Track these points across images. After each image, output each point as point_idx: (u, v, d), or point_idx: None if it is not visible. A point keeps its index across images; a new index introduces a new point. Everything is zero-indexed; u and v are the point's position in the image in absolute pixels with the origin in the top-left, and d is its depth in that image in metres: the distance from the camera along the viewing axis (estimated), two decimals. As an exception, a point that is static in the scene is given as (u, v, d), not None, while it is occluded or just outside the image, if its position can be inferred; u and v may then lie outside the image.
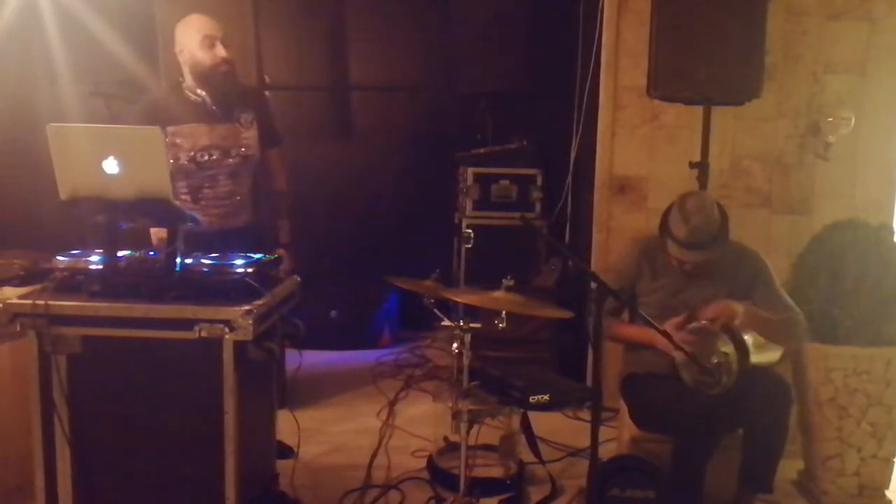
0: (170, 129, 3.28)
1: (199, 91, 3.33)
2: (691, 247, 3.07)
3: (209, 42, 3.25)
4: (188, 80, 3.34)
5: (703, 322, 3.00)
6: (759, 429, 3.00)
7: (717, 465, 3.00)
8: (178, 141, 3.29)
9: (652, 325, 2.83)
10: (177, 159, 3.29)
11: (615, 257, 3.53)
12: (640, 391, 3.26)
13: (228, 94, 3.36)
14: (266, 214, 3.56)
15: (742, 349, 2.94)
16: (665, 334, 2.82)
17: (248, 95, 3.47)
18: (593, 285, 2.73)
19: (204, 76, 3.30)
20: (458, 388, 3.07)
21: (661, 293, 3.23)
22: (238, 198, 3.40)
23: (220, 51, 3.27)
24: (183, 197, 3.35)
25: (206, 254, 2.78)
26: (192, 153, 3.30)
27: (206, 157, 3.32)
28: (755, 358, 3.00)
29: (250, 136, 3.39)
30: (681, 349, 2.83)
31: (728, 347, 2.94)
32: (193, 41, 3.26)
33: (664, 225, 3.15)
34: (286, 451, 3.51)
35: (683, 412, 2.96)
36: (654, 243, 3.27)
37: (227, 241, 3.16)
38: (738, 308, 3.01)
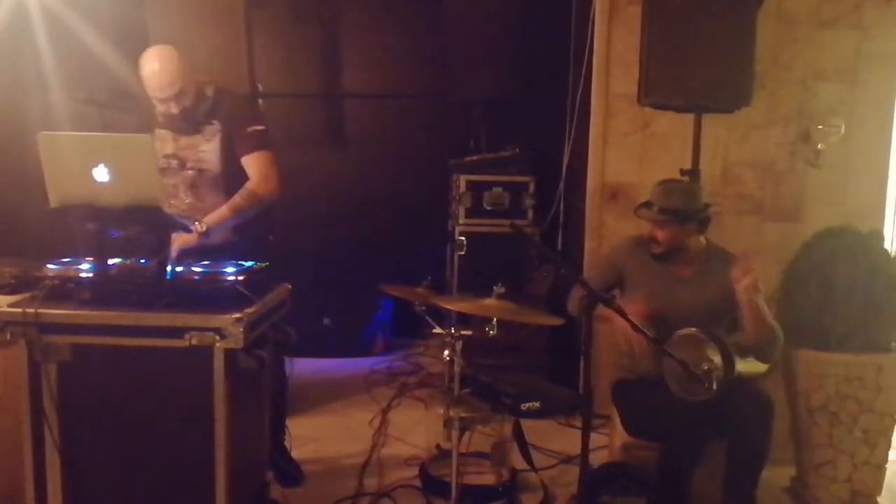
0: (156, 130, 3.28)
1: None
2: (663, 212, 3.13)
3: (160, 102, 3.16)
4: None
5: (693, 330, 3.01)
6: (740, 443, 2.98)
7: (705, 470, 3.01)
8: (156, 144, 3.24)
9: (626, 318, 2.82)
10: None
11: (607, 249, 3.51)
12: (629, 396, 3.27)
13: (192, 113, 3.23)
14: (256, 233, 3.35)
15: (728, 358, 2.94)
16: (632, 323, 2.84)
17: (222, 105, 3.29)
18: (583, 291, 2.75)
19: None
20: (449, 396, 3.07)
21: (647, 292, 3.22)
22: (201, 214, 3.20)
23: (167, 107, 3.17)
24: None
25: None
26: (158, 158, 3.23)
27: (167, 165, 3.26)
28: (741, 367, 3.01)
29: (209, 149, 3.26)
30: (644, 334, 2.84)
31: (716, 356, 2.94)
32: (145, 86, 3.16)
33: (643, 203, 3.21)
34: (295, 475, 3.51)
35: (669, 419, 2.97)
36: (642, 241, 3.30)
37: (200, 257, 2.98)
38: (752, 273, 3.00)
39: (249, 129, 3.26)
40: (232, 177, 3.28)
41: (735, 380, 2.96)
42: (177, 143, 3.28)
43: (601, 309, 2.76)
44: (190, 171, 3.27)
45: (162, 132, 3.29)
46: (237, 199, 3.22)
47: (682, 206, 3.14)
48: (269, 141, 3.33)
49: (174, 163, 3.27)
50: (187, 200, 3.29)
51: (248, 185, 3.25)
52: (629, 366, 3.29)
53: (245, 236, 3.30)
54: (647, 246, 3.26)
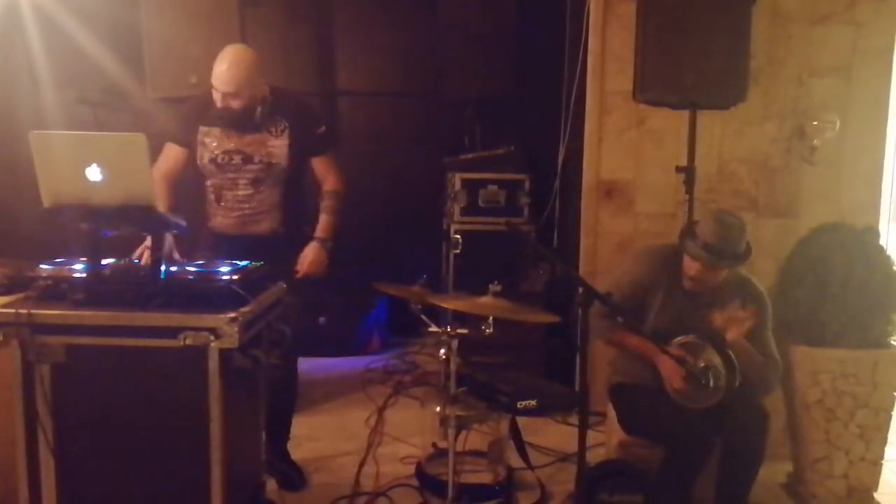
0: (202, 128, 3.34)
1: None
2: (713, 251, 2.94)
3: (217, 92, 3.23)
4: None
5: (691, 336, 2.99)
6: (733, 454, 2.96)
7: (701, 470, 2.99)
8: (206, 140, 3.34)
9: (640, 332, 2.81)
10: (201, 158, 3.35)
11: (630, 264, 3.40)
12: (628, 402, 3.24)
13: (240, 115, 3.28)
14: (298, 225, 3.48)
15: (730, 365, 2.93)
16: (646, 340, 2.81)
17: (283, 104, 3.38)
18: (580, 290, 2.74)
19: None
20: (445, 394, 3.07)
21: (669, 312, 3.12)
22: (258, 204, 3.35)
23: (221, 101, 3.23)
24: (209, 196, 3.40)
25: (223, 257, 2.84)
26: (215, 154, 3.33)
27: (227, 161, 3.32)
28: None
29: (278, 144, 3.34)
30: (667, 353, 2.83)
31: (716, 359, 2.94)
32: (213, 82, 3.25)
33: (688, 231, 3.05)
34: (296, 479, 3.50)
35: (673, 429, 2.95)
36: (674, 259, 3.15)
37: (246, 246, 3.15)
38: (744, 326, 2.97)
39: (319, 132, 3.47)
40: (296, 171, 3.42)
41: (735, 389, 2.94)
42: (241, 140, 3.33)
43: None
44: (258, 166, 3.34)
45: (215, 130, 3.34)
46: (334, 204, 3.50)
47: (738, 250, 2.99)
48: (334, 140, 3.55)
49: (237, 158, 3.33)
50: (247, 192, 3.36)
51: (330, 186, 3.51)
52: (624, 369, 3.27)
53: (289, 228, 3.43)
54: (672, 268, 3.13)
